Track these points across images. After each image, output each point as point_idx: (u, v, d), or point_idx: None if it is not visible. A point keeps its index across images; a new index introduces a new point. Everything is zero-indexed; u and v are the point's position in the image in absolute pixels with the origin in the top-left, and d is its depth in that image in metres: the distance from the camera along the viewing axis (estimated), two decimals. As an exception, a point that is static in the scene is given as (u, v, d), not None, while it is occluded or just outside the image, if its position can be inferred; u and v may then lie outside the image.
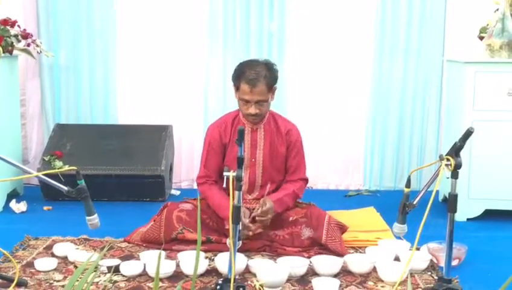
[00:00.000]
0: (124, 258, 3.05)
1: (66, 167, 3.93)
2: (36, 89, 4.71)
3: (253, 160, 3.29)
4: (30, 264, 2.96)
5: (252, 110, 3.16)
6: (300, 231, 3.21)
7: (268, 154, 3.30)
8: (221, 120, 3.38)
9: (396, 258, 3.03)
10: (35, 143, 4.74)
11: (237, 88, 3.19)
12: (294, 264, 2.87)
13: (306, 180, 3.42)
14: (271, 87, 3.18)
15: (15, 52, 4.14)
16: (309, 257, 3.01)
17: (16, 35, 4.08)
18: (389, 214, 3.55)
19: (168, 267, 2.83)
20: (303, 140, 3.41)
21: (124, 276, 2.82)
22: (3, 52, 3.97)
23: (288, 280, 2.77)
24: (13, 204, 4.00)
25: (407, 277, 2.72)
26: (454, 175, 2.43)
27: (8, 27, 4.05)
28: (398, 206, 2.62)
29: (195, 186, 4.58)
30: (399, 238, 3.10)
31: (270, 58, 4.55)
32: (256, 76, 3.12)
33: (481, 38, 3.99)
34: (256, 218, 3.12)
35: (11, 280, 2.65)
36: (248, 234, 3.09)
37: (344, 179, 4.78)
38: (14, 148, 4.34)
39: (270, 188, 3.32)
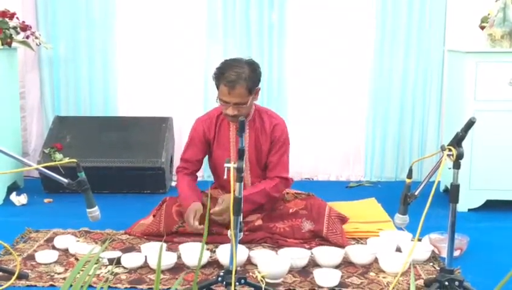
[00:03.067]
0: (125, 250, 3.04)
1: (66, 160, 3.95)
2: (35, 81, 4.69)
3: None
4: (31, 257, 2.95)
5: (230, 111, 3.06)
6: (300, 224, 3.20)
7: (254, 153, 3.26)
8: (207, 116, 3.35)
9: (398, 249, 3.02)
10: (35, 136, 4.73)
11: (217, 87, 3.09)
12: (295, 256, 2.87)
13: (285, 180, 3.30)
14: (251, 89, 3.06)
15: (14, 44, 4.12)
16: (310, 248, 3.01)
17: (14, 28, 4.06)
18: (391, 205, 3.54)
19: (169, 259, 2.83)
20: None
21: (125, 268, 2.82)
22: (2, 45, 3.96)
23: (289, 271, 2.76)
24: (13, 197, 4.00)
25: (409, 268, 2.72)
26: (456, 165, 2.42)
27: (7, 19, 4.04)
28: (400, 197, 2.61)
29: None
30: (400, 229, 3.11)
31: (271, 48, 4.60)
32: (235, 78, 3.00)
33: (482, 28, 3.97)
34: (212, 216, 3.08)
35: (12, 273, 2.65)
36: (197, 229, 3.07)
37: (345, 170, 4.77)
38: (14, 141, 4.33)
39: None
